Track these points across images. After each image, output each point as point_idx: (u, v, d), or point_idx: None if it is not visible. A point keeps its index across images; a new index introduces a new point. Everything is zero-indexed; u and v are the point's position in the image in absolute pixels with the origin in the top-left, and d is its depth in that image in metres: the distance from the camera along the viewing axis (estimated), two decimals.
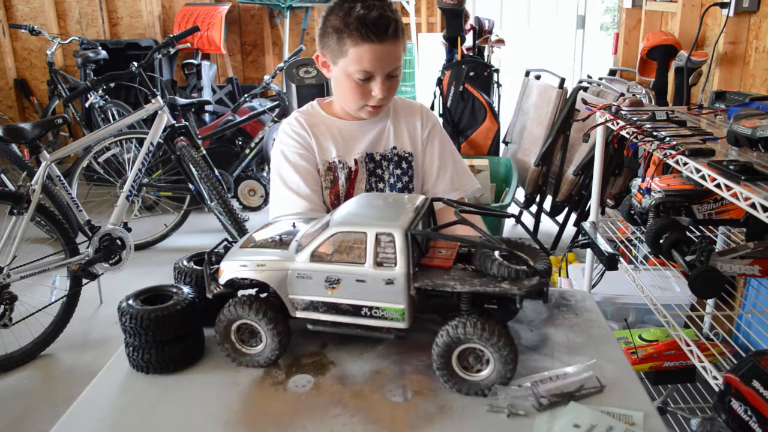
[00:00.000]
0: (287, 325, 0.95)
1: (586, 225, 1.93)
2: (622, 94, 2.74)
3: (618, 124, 1.66)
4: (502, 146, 3.84)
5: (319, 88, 3.75)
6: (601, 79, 3.30)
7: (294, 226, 1.05)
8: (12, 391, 2.36)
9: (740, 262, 1.43)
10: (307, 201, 1.38)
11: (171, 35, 3.01)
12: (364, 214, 0.96)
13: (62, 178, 2.67)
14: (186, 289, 1.00)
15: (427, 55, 5.16)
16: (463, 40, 3.81)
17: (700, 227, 1.82)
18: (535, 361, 0.95)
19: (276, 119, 3.92)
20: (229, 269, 0.96)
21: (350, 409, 0.85)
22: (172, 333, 0.95)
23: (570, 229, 3.40)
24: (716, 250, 1.45)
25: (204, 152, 3.07)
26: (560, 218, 3.43)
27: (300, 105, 1.61)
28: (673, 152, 1.32)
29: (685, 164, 1.29)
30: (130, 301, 0.97)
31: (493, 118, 3.63)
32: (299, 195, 1.38)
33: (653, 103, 2.60)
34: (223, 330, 0.95)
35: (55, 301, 2.62)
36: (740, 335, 1.84)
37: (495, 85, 3.76)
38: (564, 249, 3.22)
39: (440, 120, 3.52)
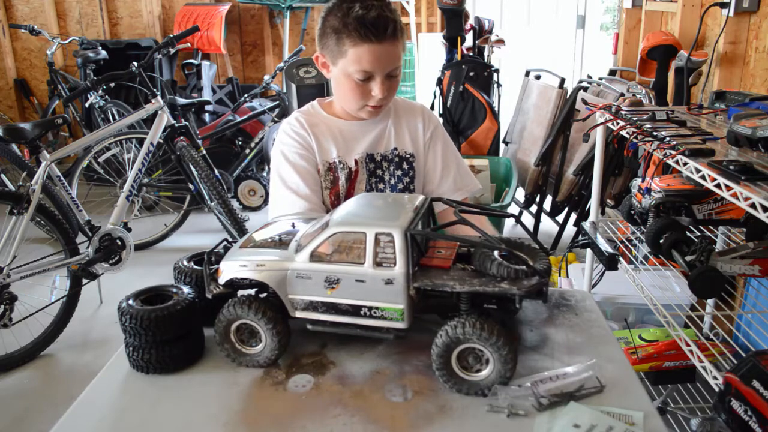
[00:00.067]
0: (287, 325, 0.95)
1: (586, 225, 1.93)
2: (622, 94, 2.74)
3: (618, 124, 1.66)
4: (502, 146, 3.84)
5: (319, 88, 3.75)
6: (601, 79, 3.30)
7: (293, 226, 1.05)
8: (12, 391, 2.36)
9: (740, 262, 1.43)
10: (306, 201, 1.38)
11: (171, 35, 3.01)
12: (363, 214, 0.96)
13: (62, 178, 2.67)
14: (186, 289, 1.00)
15: (427, 55, 5.16)
16: (463, 40, 3.80)
17: (700, 227, 1.82)
18: (535, 361, 0.95)
19: (276, 119, 3.92)
20: (229, 269, 0.96)
21: (350, 409, 0.85)
22: (172, 333, 0.95)
23: (570, 229, 3.40)
24: (716, 250, 1.45)
25: (204, 152, 3.07)
26: (560, 218, 3.43)
27: (300, 105, 1.61)
28: (673, 152, 1.32)
29: (685, 164, 1.29)
30: (130, 301, 0.97)
31: (493, 118, 3.63)
32: (299, 195, 1.38)
33: (653, 103, 2.60)
34: (223, 330, 0.95)
35: (55, 301, 2.62)
36: (740, 335, 1.84)
37: (495, 85, 3.76)
38: (564, 249, 3.22)
39: (440, 120, 3.52)
